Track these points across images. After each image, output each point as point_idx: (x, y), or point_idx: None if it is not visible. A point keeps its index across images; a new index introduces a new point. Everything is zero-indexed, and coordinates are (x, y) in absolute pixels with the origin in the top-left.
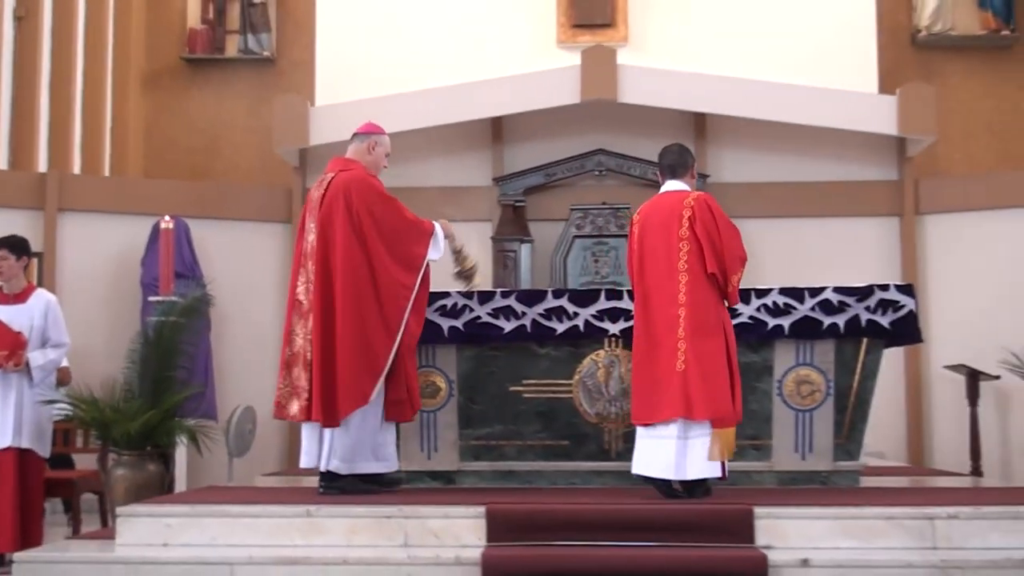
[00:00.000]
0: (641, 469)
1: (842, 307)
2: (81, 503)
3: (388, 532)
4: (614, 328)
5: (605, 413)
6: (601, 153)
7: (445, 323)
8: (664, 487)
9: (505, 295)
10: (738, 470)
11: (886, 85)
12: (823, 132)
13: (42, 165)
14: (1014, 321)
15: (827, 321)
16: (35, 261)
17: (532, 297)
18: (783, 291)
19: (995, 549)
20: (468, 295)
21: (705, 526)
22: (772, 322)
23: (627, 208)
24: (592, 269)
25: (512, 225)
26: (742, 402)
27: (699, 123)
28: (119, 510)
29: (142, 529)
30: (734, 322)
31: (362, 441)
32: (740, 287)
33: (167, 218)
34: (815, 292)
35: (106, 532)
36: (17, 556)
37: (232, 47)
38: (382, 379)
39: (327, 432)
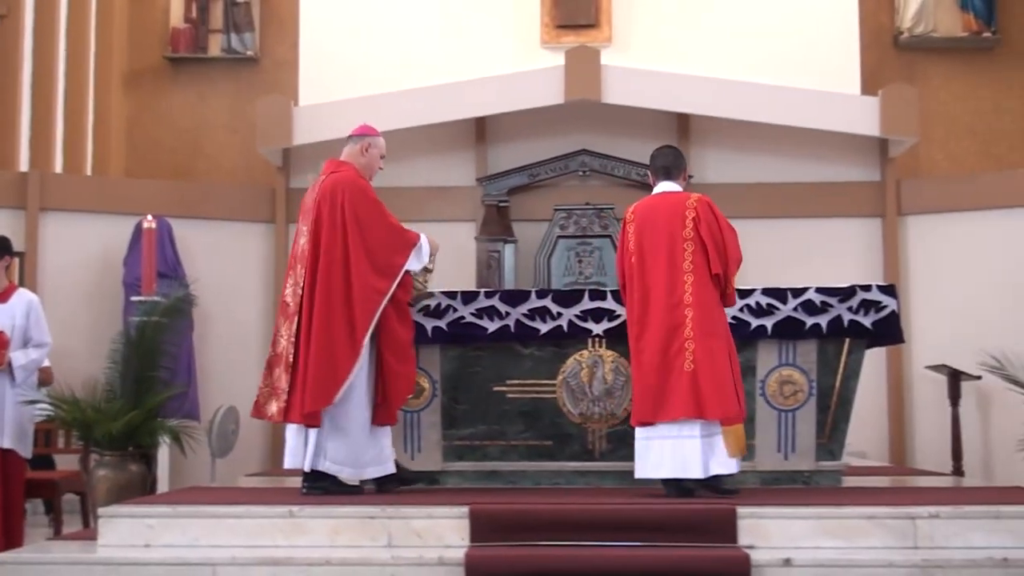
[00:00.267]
0: (649, 472)
1: (824, 307)
2: (63, 504)
3: (371, 532)
4: (598, 328)
5: (589, 413)
6: (585, 153)
7: (429, 323)
8: (674, 487)
9: (489, 295)
10: None
11: (868, 86)
12: (806, 133)
13: (24, 164)
14: (995, 322)
15: (810, 321)
16: (17, 261)
17: (516, 297)
18: (766, 291)
19: (976, 548)
20: (452, 295)
21: (688, 526)
22: (755, 322)
23: (611, 208)
24: (576, 269)
25: (496, 225)
26: None
27: (682, 124)
28: (101, 511)
29: (124, 530)
30: None
31: (362, 444)
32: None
33: (149, 218)
34: (798, 292)
35: (88, 533)
36: None
37: (215, 46)
38: (348, 380)
39: (312, 432)
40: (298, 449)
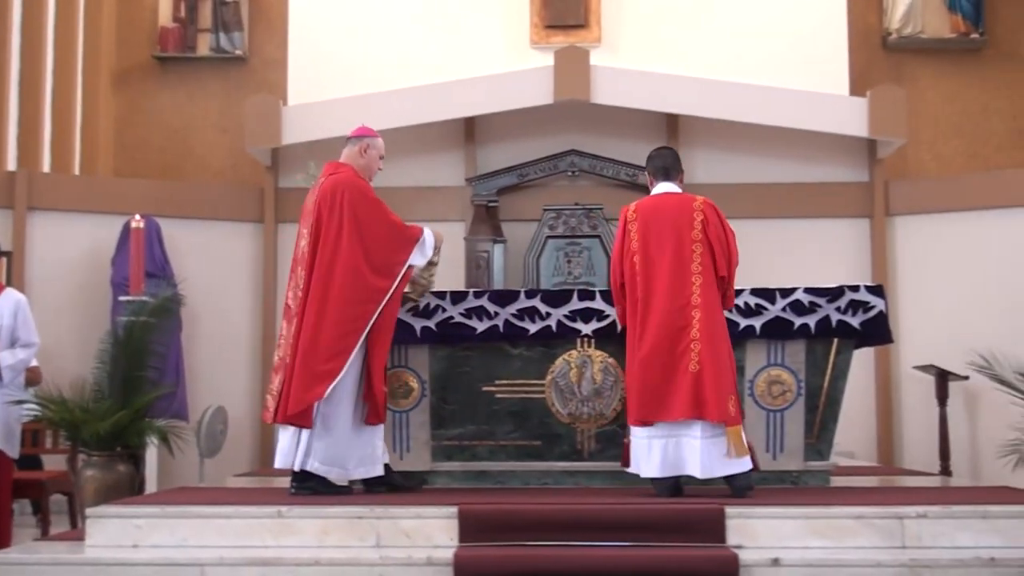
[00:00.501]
0: (652, 471)
1: (813, 308)
2: (50, 504)
3: (360, 532)
4: (586, 328)
5: (577, 413)
6: (574, 154)
7: (418, 323)
8: (665, 486)
9: (478, 295)
10: None
11: (857, 87)
12: (794, 134)
13: (11, 163)
14: (983, 322)
15: (798, 322)
16: (4, 260)
17: (505, 297)
18: (754, 292)
19: (964, 548)
20: (441, 295)
21: (677, 526)
22: (744, 323)
23: (600, 208)
24: (565, 270)
25: (485, 225)
26: None
27: (671, 124)
28: (88, 511)
29: (112, 530)
30: None
31: (348, 443)
32: None
33: (138, 217)
34: (786, 293)
35: (75, 533)
36: None
37: (204, 46)
38: (335, 380)
39: (304, 433)
40: (290, 449)
